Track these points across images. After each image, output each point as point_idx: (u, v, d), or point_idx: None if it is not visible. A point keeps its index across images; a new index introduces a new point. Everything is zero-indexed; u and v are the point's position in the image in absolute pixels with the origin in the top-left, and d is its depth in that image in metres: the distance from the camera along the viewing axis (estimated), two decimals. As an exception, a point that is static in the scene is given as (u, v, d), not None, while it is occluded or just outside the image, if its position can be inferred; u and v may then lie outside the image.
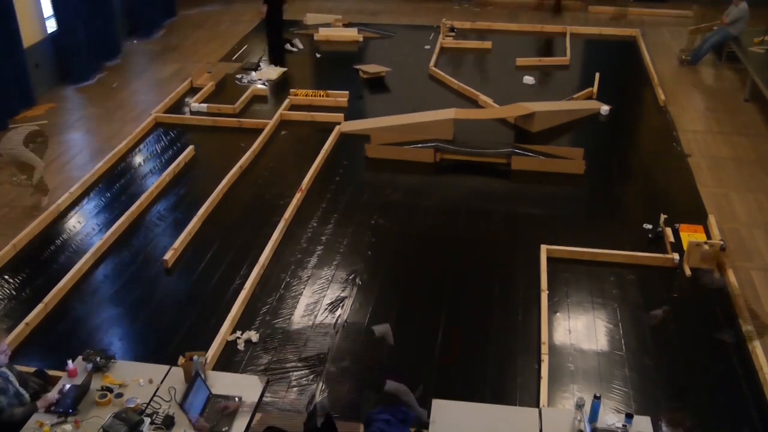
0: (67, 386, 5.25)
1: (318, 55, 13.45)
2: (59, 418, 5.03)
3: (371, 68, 12.62)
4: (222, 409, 5.09)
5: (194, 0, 16.94)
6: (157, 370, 5.49)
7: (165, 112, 11.25)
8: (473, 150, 9.87)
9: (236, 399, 5.21)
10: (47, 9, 12.08)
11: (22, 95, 11.19)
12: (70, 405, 5.09)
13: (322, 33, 14.54)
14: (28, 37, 11.41)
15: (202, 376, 5.27)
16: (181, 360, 5.47)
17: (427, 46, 14.02)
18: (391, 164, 9.86)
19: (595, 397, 5.05)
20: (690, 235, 8.02)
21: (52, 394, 5.18)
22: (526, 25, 15.19)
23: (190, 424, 4.96)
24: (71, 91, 12.16)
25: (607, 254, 7.88)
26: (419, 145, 9.98)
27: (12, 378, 5.27)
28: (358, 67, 12.83)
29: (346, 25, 15.13)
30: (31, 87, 11.32)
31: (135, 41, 14.40)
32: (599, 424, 4.98)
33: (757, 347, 6.57)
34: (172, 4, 15.84)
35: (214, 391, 5.28)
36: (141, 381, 5.33)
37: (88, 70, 12.53)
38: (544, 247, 7.90)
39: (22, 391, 5.30)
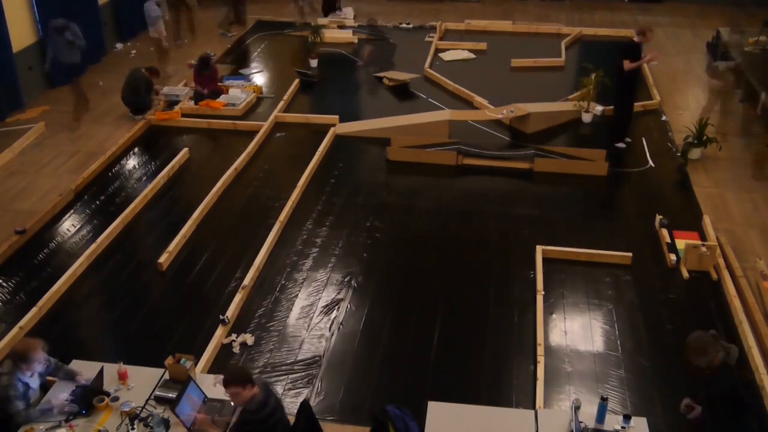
0: (76, 388, 5.24)
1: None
2: (54, 422, 5.02)
3: (396, 75, 12.41)
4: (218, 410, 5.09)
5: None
6: (152, 373, 5.47)
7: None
8: (496, 153, 9.84)
9: (232, 403, 5.18)
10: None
11: (12, 98, 11.16)
12: (83, 407, 5.09)
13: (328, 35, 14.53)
14: (21, 40, 11.39)
15: (194, 380, 5.25)
16: (169, 360, 5.46)
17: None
18: (386, 166, 9.86)
19: (602, 398, 5.04)
20: (686, 242, 7.97)
21: (64, 395, 5.19)
22: (522, 26, 15.18)
23: (185, 428, 4.94)
24: (64, 93, 12.09)
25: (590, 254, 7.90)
26: (441, 148, 9.92)
27: (34, 383, 5.25)
28: (380, 74, 12.64)
29: (341, 27, 15.11)
30: (20, 90, 11.28)
31: (128, 44, 14.34)
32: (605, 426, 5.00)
33: (753, 348, 6.56)
34: None
35: (209, 395, 5.26)
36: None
37: (77, 73, 12.46)
38: (539, 248, 7.90)
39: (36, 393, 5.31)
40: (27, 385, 5.15)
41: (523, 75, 12.91)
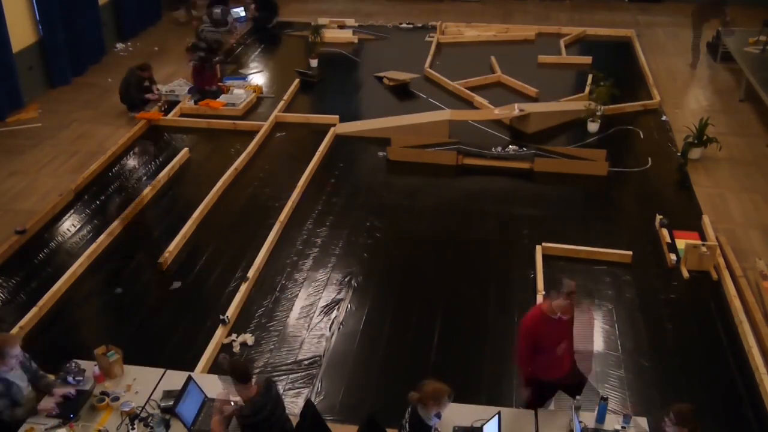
0: (73, 392, 5.22)
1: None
2: (54, 422, 5.01)
3: (396, 75, 12.39)
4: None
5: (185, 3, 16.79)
6: (152, 373, 5.48)
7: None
8: (496, 154, 9.83)
9: (231, 403, 5.18)
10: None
11: (11, 97, 11.15)
12: (73, 411, 5.07)
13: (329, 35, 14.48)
14: (21, 40, 11.38)
15: (196, 383, 5.25)
16: (101, 349, 5.46)
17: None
18: (386, 166, 9.86)
19: (602, 399, 5.04)
20: (686, 242, 7.97)
21: (47, 403, 5.11)
22: (521, 26, 15.15)
23: (186, 428, 4.95)
24: (64, 93, 12.09)
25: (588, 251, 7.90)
26: (441, 148, 9.91)
27: (18, 380, 5.10)
28: (380, 74, 12.64)
29: (340, 27, 15.11)
30: (19, 89, 11.28)
31: (129, 44, 14.34)
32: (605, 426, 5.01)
33: (753, 347, 6.56)
34: (157, 8, 15.74)
35: (210, 395, 5.26)
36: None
37: (76, 73, 12.61)
38: (539, 248, 7.90)
39: (25, 392, 5.17)
40: (7, 381, 4.98)
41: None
